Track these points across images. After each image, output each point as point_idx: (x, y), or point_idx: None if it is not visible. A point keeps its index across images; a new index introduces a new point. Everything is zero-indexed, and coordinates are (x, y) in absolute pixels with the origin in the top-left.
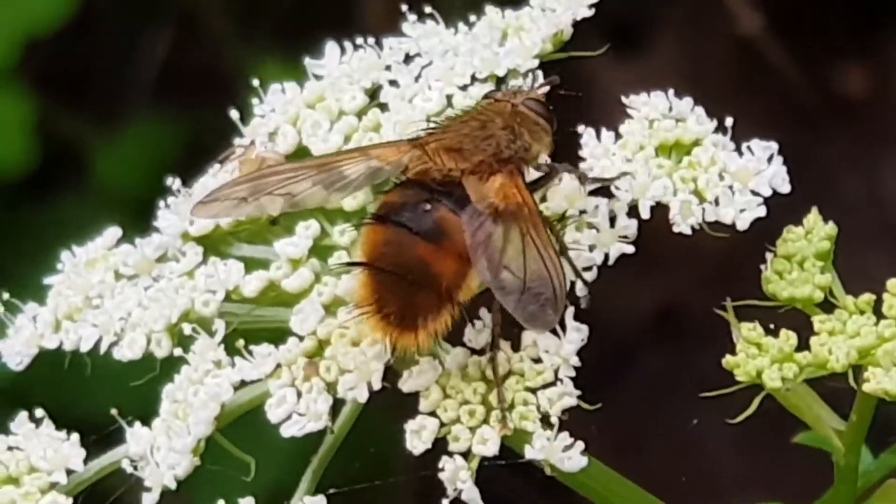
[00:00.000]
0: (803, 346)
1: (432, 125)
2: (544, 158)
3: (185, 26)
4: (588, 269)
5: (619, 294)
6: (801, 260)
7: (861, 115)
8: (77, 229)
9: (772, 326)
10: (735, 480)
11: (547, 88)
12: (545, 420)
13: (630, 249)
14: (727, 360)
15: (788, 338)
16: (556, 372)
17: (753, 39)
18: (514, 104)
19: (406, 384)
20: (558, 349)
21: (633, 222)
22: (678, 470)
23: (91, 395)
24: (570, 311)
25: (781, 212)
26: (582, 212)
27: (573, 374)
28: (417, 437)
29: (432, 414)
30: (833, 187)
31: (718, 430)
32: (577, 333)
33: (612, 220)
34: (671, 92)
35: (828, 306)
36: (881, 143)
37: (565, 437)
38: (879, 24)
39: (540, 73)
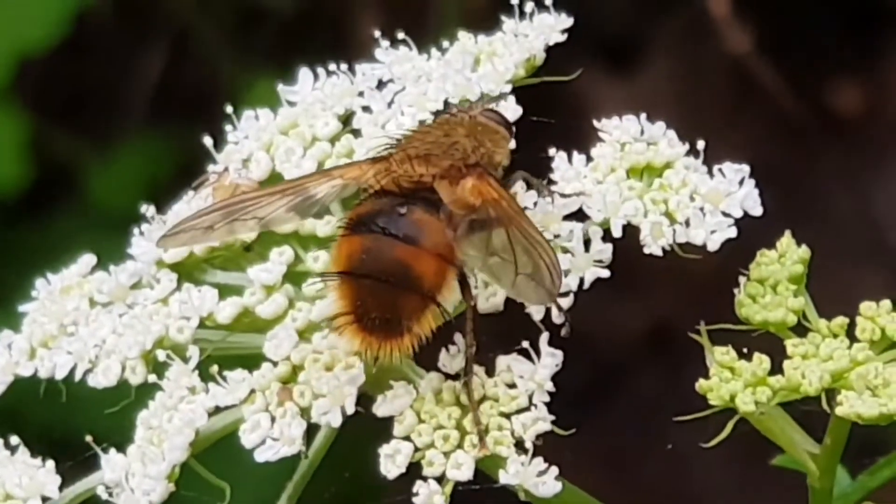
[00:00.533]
0: (777, 369)
1: (393, 140)
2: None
3: (178, 46)
4: (564, 294)
5: (609, 315)
6: (775, 283)
7: (853, 132)
8: (71, 249)
9: (745, 350)
10: (724, 500)
11: (503, 103)
12: (519, 445)
13: (605, 273)
14: (700, 384)
15: (761, 362)
16: (530, 397)
17: (744, 59)
18: (472, 115)
19: (380, 409)
20: (533, 374)
21: (609, 246)
22: (668, 489)
23: (70, 419)
24: (545, 336)
25: (771, 230)
26: (556, 236)
27: (547, 398)
28: (392, 461)
29: (406, 438)
30: (824, 205)
31: (707, 450)
32: (551, 359)
33: (587, 244)
34: (643, 116)
35: (801, 330)
36: (873, 159)
37: (539, 463)
38: (870, 40)
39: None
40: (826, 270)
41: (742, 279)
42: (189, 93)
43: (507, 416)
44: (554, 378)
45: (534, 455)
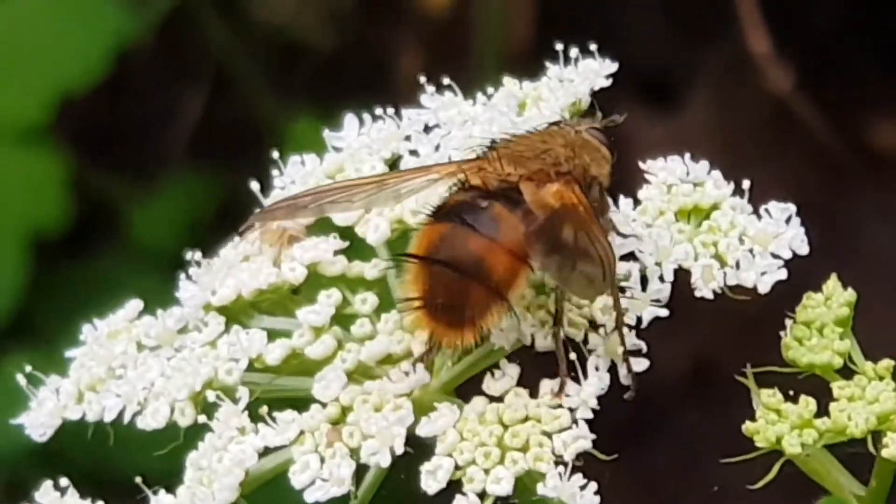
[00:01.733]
0: (823, 411)
1: (488, 143)
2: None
3: (219, 84)
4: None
5: (654, 351)
6: (821, 326)
7: (892, 167)
8: (113, 287)
9: (791, 392)
10: None
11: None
12: (559, 463)
13: (664, 313)
14: (747, 427)
15: (808, 404)
16: (573, 416)
17: (784, 96)
18: (577, 130)
19: (423, 428)
20: (578, 392)
21: (667, 286)
22: None
23: (118, 462)
24: (593, 359)
25: (811, 267)
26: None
27: (590, 415)
28: (433, 476)
29: (448, 456)
30: (864, 242)
31: (752, 491)
32: (598, 380)
33: (644, 284)
34: (688, 156)
35: (847, 372)
36: None
37: (579, 478)
38: None
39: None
40: (867, 309)
41: (788, 322)
42: (230, 130)
43: (549, 435)
44: (597, 412)
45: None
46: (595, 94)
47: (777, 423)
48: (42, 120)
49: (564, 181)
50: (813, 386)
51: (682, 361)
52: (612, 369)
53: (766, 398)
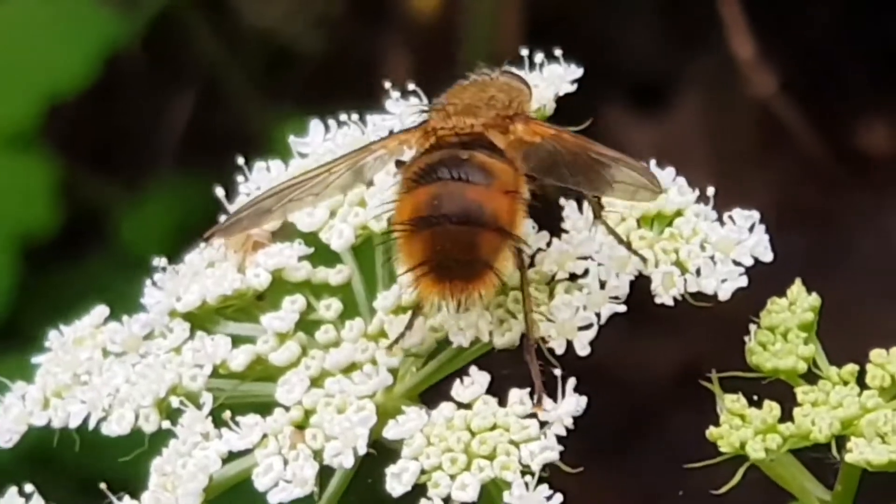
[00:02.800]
0: (787, 416)
1: (426, 109)
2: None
3: (207, 89)
4: (586, 327)
5: (640, 355)
6: (785, 331)
7: (880, 172)
8: (102, 291)
9: (756, 397)
10: None
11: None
12: (526, 472)
13: (621, 309)
14: (711, 432)
15: (771, 409)
16: (543, 429)
17: (769, 101)
18: (493, 77)
19: (391, 431)
20: (555, 408)
21: (625, 281)
22: None
23: (95, 463)
24: (572, 381)
25: (799, 271)
26: (572, 275)
27: (563, 433)
28: (398, 479)
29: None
30: (851, 245)
31: (719, 496)
32: (573, 399)
33: (603, 283)
34: (653, 162)
35: (812, 377)
36: None
37: (544, 489)
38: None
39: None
40: (856, 311)
41: (753, 327)
42: (218, 136)
43: (516, 444)
44: (584, 416)
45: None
46: (583, 98)
47: (741, 427)
48: (31, 125)
49: (523, 120)
50: (778, 391)
51: (671, 366)
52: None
53: (731, 403)
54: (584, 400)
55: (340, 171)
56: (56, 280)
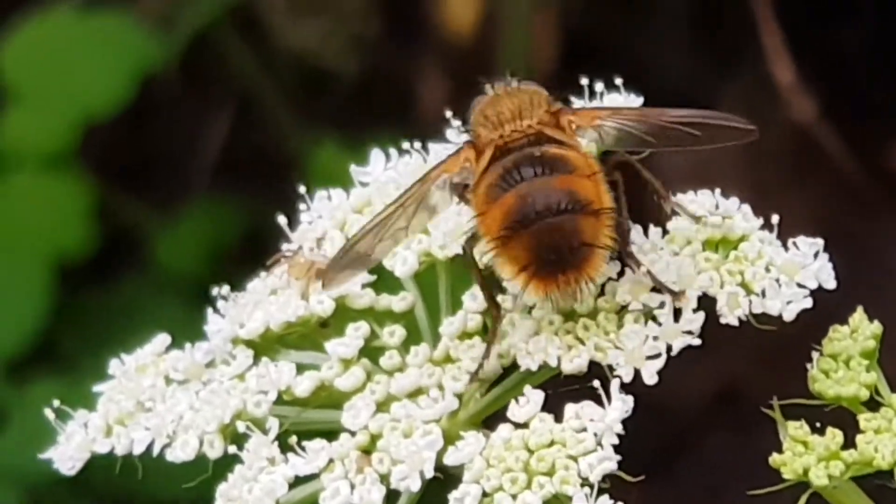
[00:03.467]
0: (850, 443)
1: (468, 129)
2: None
3: (243, 111)
4: (655, 357)
5: (679, 377)
6: (847, 359)
7: None
8: (137, 313)
9: (817, 424)
10: None
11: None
12: (586, 485)
13: (696, 342)
14: (774, 459)
15: (834, 436)
16: (598, 439)
17: (808, 125)
18: (513, 86)
19: (450, 457)
20: (602, 417)
21: (699, 317)
22: None
23: (149, 490)
24: (616, 382)
25: (835, 296)
26: (645, 306)
27: (615, 441)
28: None
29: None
30: (890, 269)
31: None
32: (621, 403)
33: (677, 315)
34: (718, 191)
35: (874, 404)
36: None
37: (605, 500)
38: None
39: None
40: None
41: (815, 354)
42: (253, 157)
43: (574, 458)
44: (621, 438)
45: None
46: None
47: (804, 454)
48: (67, 146)
49: (570, 112)
50: (838, 417)
51: (707, 387)
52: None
53: (793, 430)
54: (630, 400)
55: (412, 206)
56: (91, 302)
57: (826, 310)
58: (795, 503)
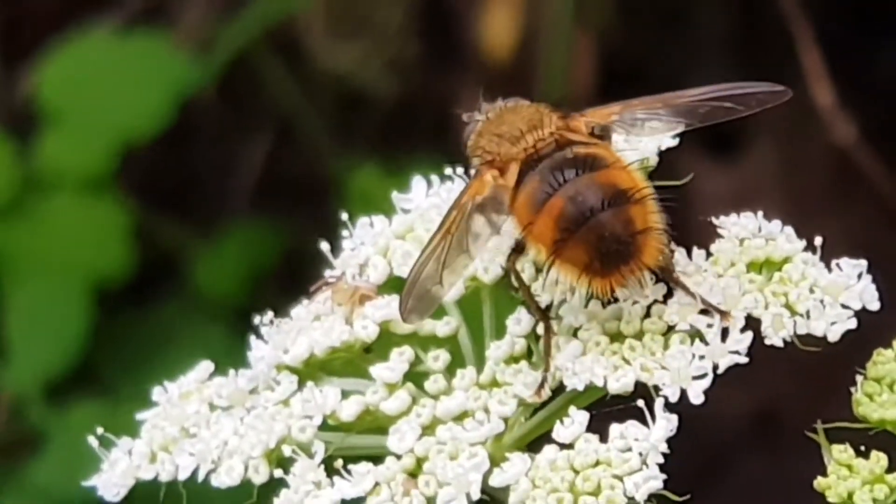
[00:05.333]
0: (894, 467)
1: (481, 148)
2: None
3: (282, 134)
4: (701, 377)
5: (716, 399)
6: (891, 382)
7: None
8: (176, 336)
9: (862, 448)
10: None
11: None
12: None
13: (743, 360)
14: (819, 482)
15: (879, 459)
16: (643, 459)
17: (848, 148)
18: (509, 104)
19: (496, 479)
20: (647, 437)
21: (747, 337)
22: None
23: None
24: (660, 401)
25: (876, 318)
26: (692, 326)
27: (661, 460)
28: None
29: None
30: None
31: None
32: (666, 422)
33: (724, 335)
34: (760, 214)
35: None
36: None
37: None
38: None
39: None
40: None
41: (859, 378)
42: (292, 180)
43: (620, 478)
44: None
45: None
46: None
47: (848, 478)
48: (106, 169)
49: (578, 115)
50: (884, 442)
51: (745, 410)
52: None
53: (838, 454)
54: (674, 419)
55: (456, 235)
56: (130, 325)
57: (862, 332)
58: None
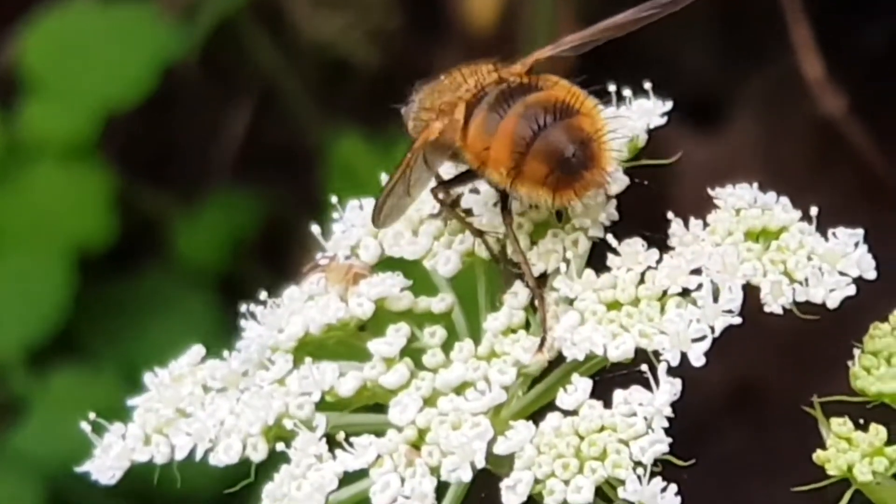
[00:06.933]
0: (893, 439)
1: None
2: None
3: (264, 102)
4: (700, 339)
5: (697, 372)
6: (889, 356)
7: None
8: (158, 304)
9: (861, 421)
10: None
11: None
12: (639, 466)
13: (737, 321)
14: (818, 455)
15: (878, 432)
16: (648, 423)
17: (836, 121)
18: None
19: (501, 446)
20: (651, 401)
21: (738, 295)
22: None
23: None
24: (664, 366)
25: (860, 291)
26: (685, 289)
27: (666, 424)
28: (513, 491)
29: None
30: None
31: None
32: (669, 386)
33: (716, 296)
34: (755, 185)
35: None
36: None
37: (658, 481)
38: None
39: None
40: None
41: (856, 352)
42: (275, 148)
43: (625, 442)
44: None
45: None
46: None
47: (848, 451)
48: (87, 137)
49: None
50: (882, 415)
51: (725, 383)
52: None
53: (837, 427)
54: (678, 383)
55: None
56: (112, 292)
57: (845, 307)
58: (822, 501)
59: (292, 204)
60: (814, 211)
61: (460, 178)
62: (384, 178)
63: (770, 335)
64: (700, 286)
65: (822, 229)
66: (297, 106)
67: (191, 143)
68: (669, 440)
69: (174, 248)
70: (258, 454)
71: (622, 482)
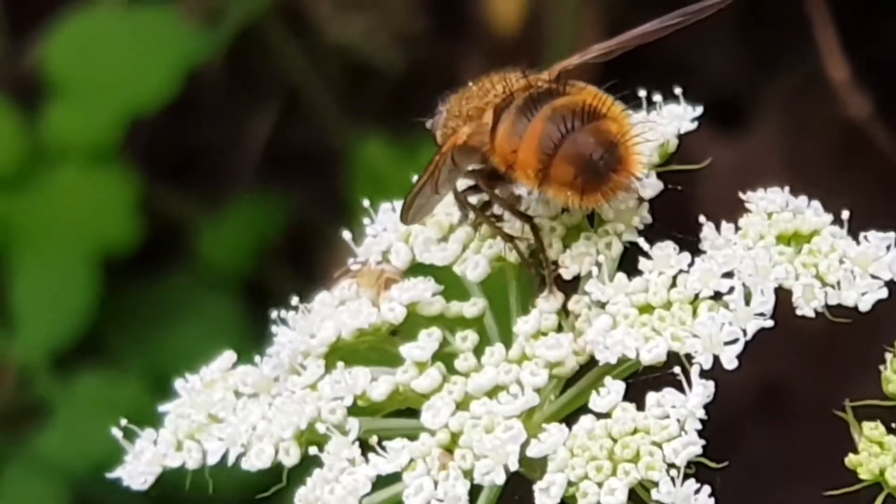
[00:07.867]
0: None
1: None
2: None
3: (288, 105)
4: (732, 342)
5: (723, 374)
6: None
7: None
8: (182, 307)
9: (893, 425)
10: None
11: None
12: (672, 468)
13: (769, 324)
14: (850, 459)
15: None
16: (681, 425)
17: (858, 122)
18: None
19: (534, 450)
20: (684, 403)
21: (770, 297)
22: None
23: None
24: (696, 368)
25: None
26: (717, 293)
27: (699, 426)
28: (546, 494)
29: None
30: None
31: None
32: (702, 388)
33: (748, 299)
34: (787, 188)
35: None
36: None
37: (692, 483)
38: None
39: None
40: None
41: (888, 355)
42: (299, 152)
43: (659, 444)
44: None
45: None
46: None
47: (880, 455)
48: (112, 140)
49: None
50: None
51: (753, 385)
52: None
53: (869, 431)
54: (711, 385)
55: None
56: (136, 296)
57: (870, 312)
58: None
59: (316, 207)
60: (845, 214)
61: (489, 182)
62: (414, 178)
63: (799, 338)
64: (732, 289)
65: (849, 232)
66: (322, 109)
67: (215, 147)
68: (703, 442)
69: (198, 251)
70: (290, 459)
71: (655, 484)
